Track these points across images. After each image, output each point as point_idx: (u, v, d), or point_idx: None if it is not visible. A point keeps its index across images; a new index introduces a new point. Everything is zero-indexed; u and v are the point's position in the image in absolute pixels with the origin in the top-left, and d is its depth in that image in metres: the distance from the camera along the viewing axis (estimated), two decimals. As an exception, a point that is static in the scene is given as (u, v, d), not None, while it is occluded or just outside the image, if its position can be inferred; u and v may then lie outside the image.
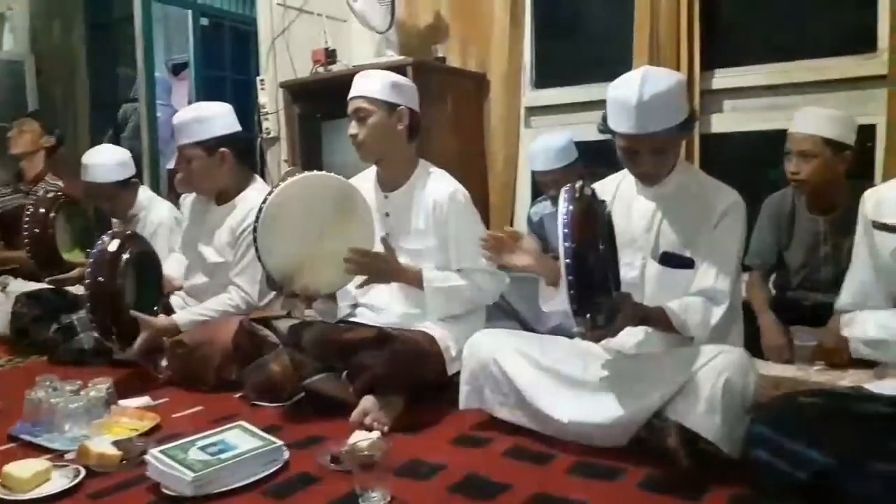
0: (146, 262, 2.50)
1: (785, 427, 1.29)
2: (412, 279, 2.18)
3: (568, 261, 1.53)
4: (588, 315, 1.57)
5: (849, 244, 2.33)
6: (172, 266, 2.80)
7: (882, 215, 1.47)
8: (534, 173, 3.33)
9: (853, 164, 2.38)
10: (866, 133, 2.95)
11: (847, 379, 2.10)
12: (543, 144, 3.19)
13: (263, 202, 2.03)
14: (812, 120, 2.38)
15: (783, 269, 2.63)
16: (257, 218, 2.02)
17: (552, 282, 1.83)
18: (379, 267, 2.14)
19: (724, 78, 3.30)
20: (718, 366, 1.62)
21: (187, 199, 2.80)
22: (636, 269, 1.88)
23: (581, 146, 3.19)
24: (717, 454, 1.59)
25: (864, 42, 2.99)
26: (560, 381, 1.84)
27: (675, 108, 1.73)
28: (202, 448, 1.65)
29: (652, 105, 1.68)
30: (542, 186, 3.27)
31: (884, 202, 1.48)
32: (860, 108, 2.96)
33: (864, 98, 2.97)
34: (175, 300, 2.72)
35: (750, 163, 3.32)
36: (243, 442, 1.70)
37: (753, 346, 2.03)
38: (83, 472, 1.66)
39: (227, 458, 1.62)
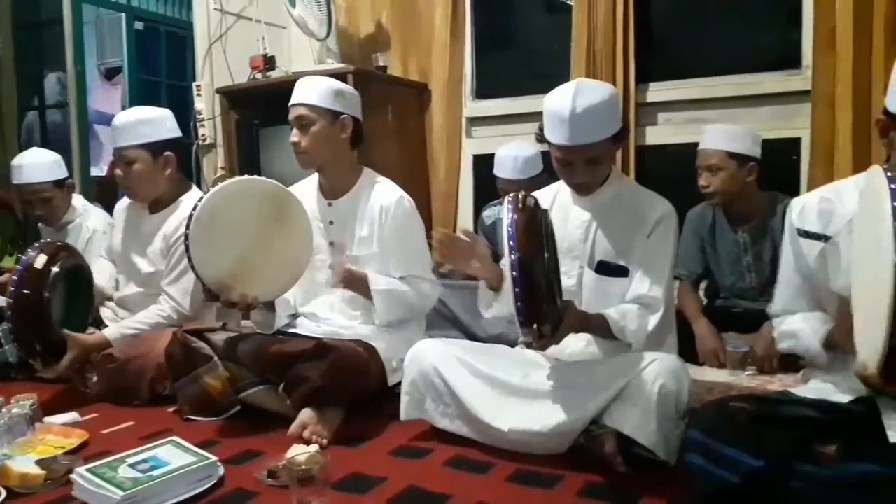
0: (78, 276, 2.39)
1: (717, 432, 1.32)
2: (361, 286, 2.17)
3: (515, 273, 1.52)
4: (535, 325, 1.55)
5: (770, 252, 2.46)
6: (103, 276, 2.70)
7: (805, 223, 1.53)
8: (497, 179, 3.28)
9: (764, 175, 2.53)
10: (792, 146, 3.09)
11: (776, 383, 2.19)
12: (513, 153, 3.16)
13: (194, 209, 1.97)
14: (717, 136, 2.54)
15: (711, 279, 2.72)
16: (188, 226, 1.95)
17: (493, 286, 1.84)
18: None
19: (658, 91, 3.40)
20: (653, 372, 1.64)
21: (119, 206, 2.71)
22: (573, 278, 1.90)
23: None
24: (653, 459, 1.62)
25: (789, 59, 3.13)
26: (501, 389, 1.84)
27: (608, 119, 1.76)
28: (132, 465, 1.60)
29: (585, 117, 1.71)
30: (503, 193, 3.24)
31: (807, 210, 1.54)
32: (786, 122, 3.10)
33: (790, 112, 3.10)
34: (105, 312, 2.62)
35: (684, 173, 3.40)
36: (176, 458, 1.65)
37: (686, 352, 2.09)
38: (4, 494, 1.59)
39: (159, 476, 1.57)
